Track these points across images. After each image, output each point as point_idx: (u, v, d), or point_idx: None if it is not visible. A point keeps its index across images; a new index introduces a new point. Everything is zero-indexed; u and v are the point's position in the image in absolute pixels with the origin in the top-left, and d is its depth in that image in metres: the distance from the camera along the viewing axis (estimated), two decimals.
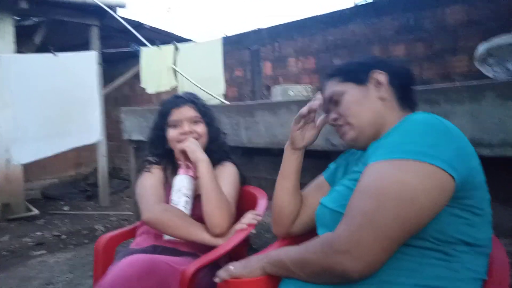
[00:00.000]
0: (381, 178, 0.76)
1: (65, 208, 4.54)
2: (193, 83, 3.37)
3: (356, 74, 0.98)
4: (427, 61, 3.23)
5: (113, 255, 1.47)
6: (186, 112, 1.47)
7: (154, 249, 1.34)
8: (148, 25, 4.57)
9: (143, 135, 2.48)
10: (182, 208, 1.35)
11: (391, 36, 3.41)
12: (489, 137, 1.16)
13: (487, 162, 0.88)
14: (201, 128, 1.48)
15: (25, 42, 4.27)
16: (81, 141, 3.87)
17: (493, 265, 0.87)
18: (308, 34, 4.00)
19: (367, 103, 0.95)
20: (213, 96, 3.22)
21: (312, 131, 1.12)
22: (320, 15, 3.91)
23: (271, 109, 1.81)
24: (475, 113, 1.18)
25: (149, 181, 1.45)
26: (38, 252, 3.14)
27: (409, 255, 0.77)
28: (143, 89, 3.91)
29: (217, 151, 1.52)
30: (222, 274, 0.94)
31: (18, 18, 4.13)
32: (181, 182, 1.38)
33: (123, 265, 1.11)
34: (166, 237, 1.35)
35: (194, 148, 1.39)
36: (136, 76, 4.21)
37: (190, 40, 4.55)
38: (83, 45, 4.45)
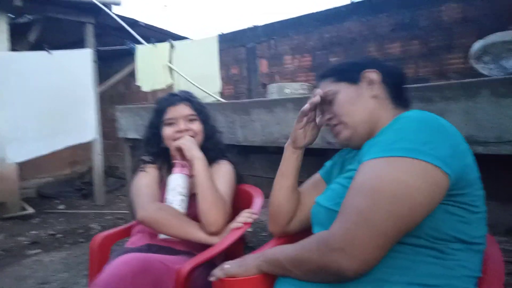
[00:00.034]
0: (375, 176, 0.76)
1: (61, 207, 4.52)
2: (189, 81, 3.36)
3: (349, 74, 0.99)
4: (423, 59, 3.24)
5: (109, 254, 1.47)
6: (182, 110, 1.47)
7: (149, 248, 1.34)
8: (144, 23, 4.56)
9: (138, 134, 2.47)
10: (177, 207, 1.34)
11: (387, 34, 3.42)
12: (484, 135, 1.16)
13: (482, 160, 0.88)
14: (196, 126, 1.48)
15: (19, 40, 4.24)
16: (76, 140, 3.85)
17: (488, 263, 0.87)
18: (304, 31, 4.00)
19: (360, 102, 0.96)
20: (209, 94, 3.21)
21: (313, 130, 1.12)
22: (316, 12, 3.91)
23: (267, 107, 1.81)
24: (470, 110, 1.18)
25: (144, 181, 1.45)
26: (33, 251, 3.12)
27: (403, 253, 0.77)
28: (139, 87, 3.89)
29: (213, 149, 1.51)
30: (218, 272, 0.93)
31: (13, 16, 4.09)
32: (176, 181, 1.38)
33: (117, 264, 1.11)
34: (162, 236, 1.35)
35: (190, 146, 1.38)
36: (132, 74, 4.19)
37: (186, 37, 4.54)
38: (78, 43, 4.42)
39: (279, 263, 0.86)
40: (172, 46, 3.75)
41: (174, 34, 4.77)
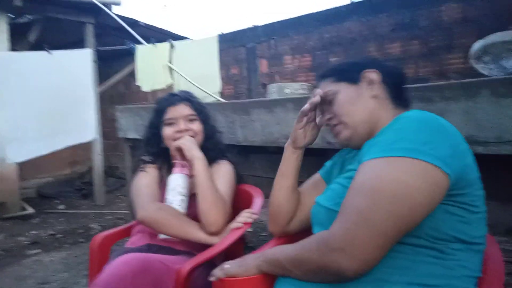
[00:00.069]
0: (375, 176, 0.76)
1: (61, 207, 4.52)
2: (189, 81, 3.36)
3: (349, 74, 0.99)
4: (423, 59, 3.24)
5: (109, 254, 1.47)
6: (182, 110, 1.47)
7: (149, 248, 1.34)
8: (143, 23, 4.56)
9: (138, 134, 2.47)
10: (177, 207, 1.34)
11: (387, 34, 3.42)
12: (484, 135, 1.16)
13: (482, 160, 0.88)
14: (196, 126, 1.48)
15: (19, 40, 4.24)
16: (76, 140, 3.85)
17: (488, 263, 0.87)
18: (304, 31, 4.00)
19: (360, 102, 0.96)
20: (209, 94, 3.21)
21: (313, 130, 1.12)
22: (316, 12, 3.91)
23: (267, 107, 1.81)
24: (470, 110, 1.18)
25: (144, 181, 1.45)
26: (33, 251, 3.12)
27: (403, 253, 0.77)
28: (139, 87, 3.89)
29: (213, 149, 1.51)
30: (218, 272, 0.93)
31: (12, 16, 4.09)
32: (176, 181, 1.38)
33: (117, 264, 1.11)
34: (162, 236, 1.35)
35: (190, 146, 1.38)
36: (132, 74, 4.19)
37: (186, 37, 4.54)
38: (78, 43, 4.42)
39: (279, 263, 0.86)
40: (172, 46, 3.75)
41: (174, 34, 4.77)
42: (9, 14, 3.95)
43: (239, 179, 1.56)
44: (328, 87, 1.01)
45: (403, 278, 0.77)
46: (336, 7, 3.75)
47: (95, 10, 4.23)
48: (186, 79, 3.43)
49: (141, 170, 1.48)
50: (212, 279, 0.94)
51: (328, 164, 1.17)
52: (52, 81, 3.61)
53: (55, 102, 3.63)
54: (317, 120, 1.11)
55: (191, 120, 1.48)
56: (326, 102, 1.02)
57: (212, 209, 1.29)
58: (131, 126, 2.69)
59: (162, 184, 1.47)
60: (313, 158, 1.29)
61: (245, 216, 1.33)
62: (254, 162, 2.10)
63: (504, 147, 1.13)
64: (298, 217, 1.14)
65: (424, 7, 3.18)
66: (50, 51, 3.63)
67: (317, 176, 1.19)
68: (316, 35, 3.90)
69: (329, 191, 0.98)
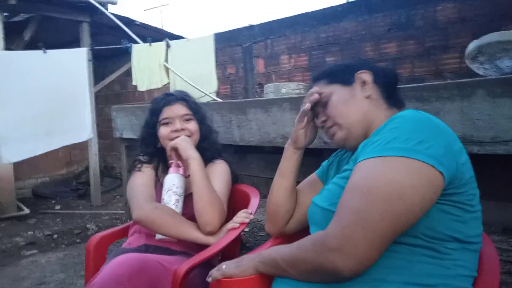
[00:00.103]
0: (370, 175, 0.77)
1: (57, 207, 4.50)
2: (185, 81, 3.36)
3: (342, 76, 1.00)
4: (419, 59, 3.25)
5: (105, 255, 1.46)
6: (178, 109, 1.47)
7: (146, 248, 1.34)
8: (139, 22, 4.54)
9: (134, 133, 2.46)
10: (173, 207, 1.34)
11: (383, 34, 3.42)
12: (479, 135, 1.17)
13: (477, 159, 0.88)
14: (193, 126, 1.48)
15: (14, 38, 4.22)
16: (72, 139, 3.82)
17: (484, 262, 0.87)
18: (300, 31, 4.01)
19: (354, 103, 0.97)
20: (205, 94, 3.21)
21: (313, 129, 1.12)
22: (312, 11, 3.91)
23: (263, 107, 1.81)
24: (465, 110, 1.19)
25: (139, 180, 1.44)
26: (30, 252, 3.11)
27: (399, 252, 0.78)
28: (135, 87, 3.88)
29: (209, 148, 1.51)
30: (215, 273, 0.93)
31: (7, 14, 4.07)
32: (172, 181, 1.38)
33: (114, 265, 1.11)
34: (158, 236, 1.34)
35: (186, 146, 1.38)
36: (128, 74, 4.18)
37: (182, 37, 4.52)
38: (74, 42, 4.41)
39: (276, 263, 0.86)
40: (168, 45, 3.74)
41: (170, 33, 4.75)
42: (3, 13, 3.93)
43: (235, 179, 1.56)
44: (321, 89, 1.02)
45: (399, 277, 0.77)
46: (332, 7, 3.75)
47: (91, 9, 4.22)
48: (182, 78, 3.42)
49: (137, 170, 1.48)
50: (209, 279, 0.94)
51: (324, 164, 1.18)
52: (48, 80, 3.59)
53: (51, 101, 3.60)
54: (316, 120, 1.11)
55: (187, 120, 1.47)
56: (320, 104, 1.02)
57: (208, 209, 1.29)
58: (127, 126, 2.68)
59: (158, 184, 1.46)
60: (310, 158, 1.30)
61: (242, 217, 1.33)
62: (250, 162, 2.10)
63: (500, 146, 1.13)
64: (295, 217, 1.15)
65: (420, 7, 3.19)
66: (46, 50, 3.60)
67: (313, 176, 1.19)
68: (313, 34, 3.91)
69: (325, 191, 0.98)
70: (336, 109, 0.98)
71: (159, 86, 3.72)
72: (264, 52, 4.35)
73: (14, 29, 4.15)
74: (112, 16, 4.02)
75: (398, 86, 1.02)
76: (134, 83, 3.83)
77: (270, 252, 0.90)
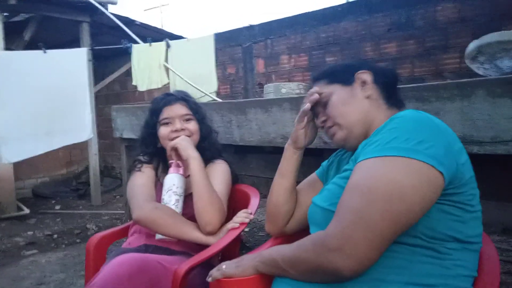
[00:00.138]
0: (370, 175, 0.77)
1: (57, 207, 4.50)
2: (185, 80, 3.36)
3: (342, 76, 1.00)
4: (419, 59, 3.25)
5: (105, 255, 1.46)
6: (178, 109, 1.47)
7: (146, 248, 1.34)
8: (139, 22, 4.54)
9: (134, 133, 2.46)
10: (173, 207, 1.34)
11: (383, 34, 3.43)
12: (479, 135, 1.17)
13: (477, 160, 0.88)
14: (193, 126, 1.48)
15: (14, 38, 4.22)
16: (72, 139, 3.83)
17: (484, 262, 0.87)
18: (300, 31, 4.01)
19: (354, 103, 0.97)
20: (205, 94, 3.21)
21: (313, 129, 1.12)
22: (312, 11, 3.91)
23: (263, 107, 1.81)
24: (465, 110, 1.19)
25: (139, 180, 1.44)
26: (30, 252, 3.11)
27: (399, 252, 0.78)
28: (135, 87, 3.88)
29: (209, 148, 1.51)
30: (215, 273, 0.93)
31: (7, 14, 4.07)
32: (172, 181, 1.38)
33: (114, 265, 1.11)
34: (158, 236, 1.34)
35: (186, 145, 1.38)
36: (127, 74, 4.18)
37: (182, 36, 4.52)
38: (74, 42, 4.40)
39: (276, 263, 0.86)
40: (168, 45, 3.74)
41: (170, 33, 4.76)
42: (3, 13, 3.93)
43: (235, 179, 1.56)
44: (321, 89, 1.02)
45: (400, 277, 0.77)
46: (332, 7, 3.76)
47: (91, 9, 4.22)
48: (182, 78, 3.42)
49: (137, 170, 1.48)
50: (209, 279, 0.94)
51: (324, 164, 1.18)
52: (48, 80, 3.59)
53: (51, 101, 3.60)
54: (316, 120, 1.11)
55: (187, 120, 1.47)
56: (320, 104, 1.02)
57: (208, 209, 1.29)
58: (127, 126, 2.68)
59: (158, 184, 1.47)
60: (310, 158, 1.30)
61: (242, 217, 1.33)
62: (250, 162, 2.10)
63: (500, 146, 1.13)
64: (295, 217, 1.15)
65: (420, 7, 3.20)
66: (46, 50, 3.60)
67: (313, 176, 1.19)
68: (313, 34, 3.91)
69: (325, 191, 0.98)
70: (336, 109, 0.98)
71: (159, 86, 3.73)
72: (264, 52, 4.35)
73: (14, 29, 4.15)
74: (112, 16, 4.02)
75: (398, 86, 1.02)
76: (134, 83, 3.83)
77: (270, 252, 0.90)
